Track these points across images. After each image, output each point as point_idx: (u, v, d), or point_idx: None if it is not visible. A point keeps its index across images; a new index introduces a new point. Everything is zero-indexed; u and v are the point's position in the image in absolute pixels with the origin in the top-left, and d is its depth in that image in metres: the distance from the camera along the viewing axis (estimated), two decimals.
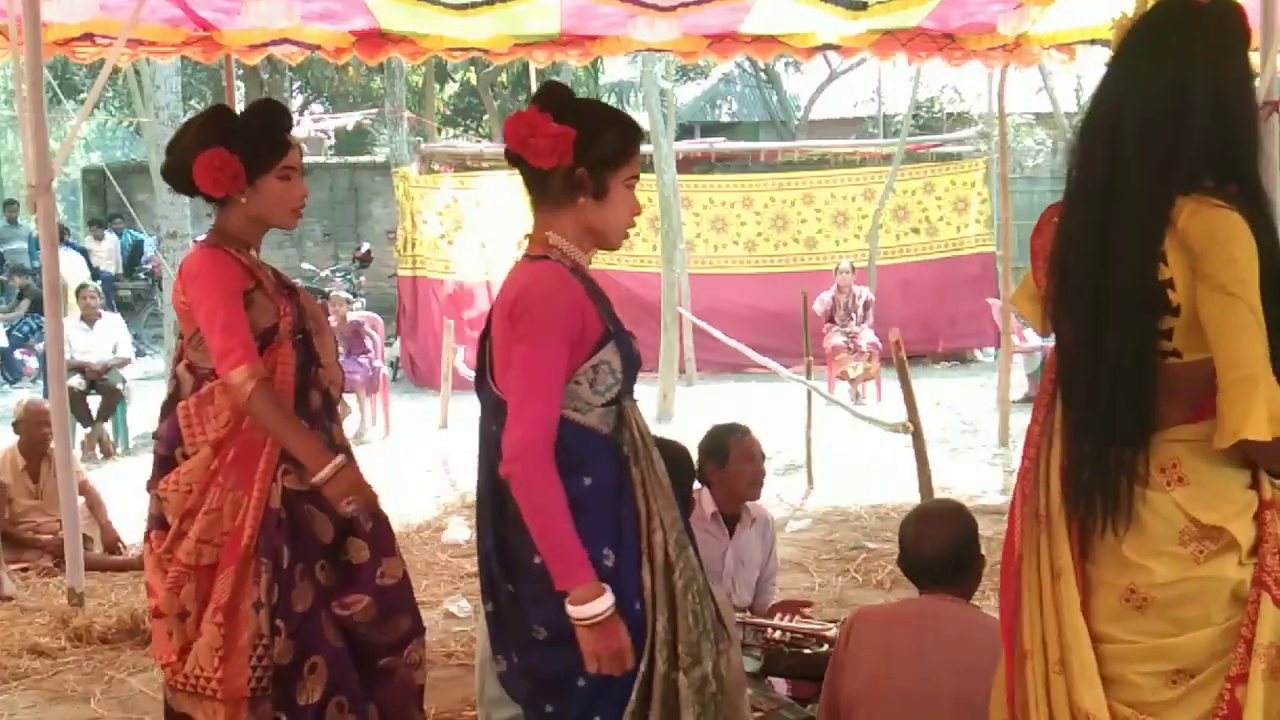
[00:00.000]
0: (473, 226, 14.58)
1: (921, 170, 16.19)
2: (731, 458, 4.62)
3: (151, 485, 3.38)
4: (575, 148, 2.58)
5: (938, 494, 6.64)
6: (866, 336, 12.61)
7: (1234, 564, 2.29)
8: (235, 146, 3.26)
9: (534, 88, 17.61)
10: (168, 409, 3.38)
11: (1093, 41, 7.27)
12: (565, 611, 2.49)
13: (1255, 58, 5.81)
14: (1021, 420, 11.34)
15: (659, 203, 12.91)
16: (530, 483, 2.48)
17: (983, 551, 3.45)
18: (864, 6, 6.56)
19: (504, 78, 26.13)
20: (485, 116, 26.15)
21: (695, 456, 4.29)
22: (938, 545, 3.35)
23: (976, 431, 10.56)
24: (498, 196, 14.52)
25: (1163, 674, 2.33)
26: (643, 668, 2.54)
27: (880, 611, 3.03)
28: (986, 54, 7.55)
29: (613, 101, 29.62)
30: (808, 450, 8.64)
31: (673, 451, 3.47)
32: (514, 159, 2.65)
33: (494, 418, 2.63)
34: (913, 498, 6.66)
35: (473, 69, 24.90)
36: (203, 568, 3.24)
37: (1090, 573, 2.39)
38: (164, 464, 3.34)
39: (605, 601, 2.49)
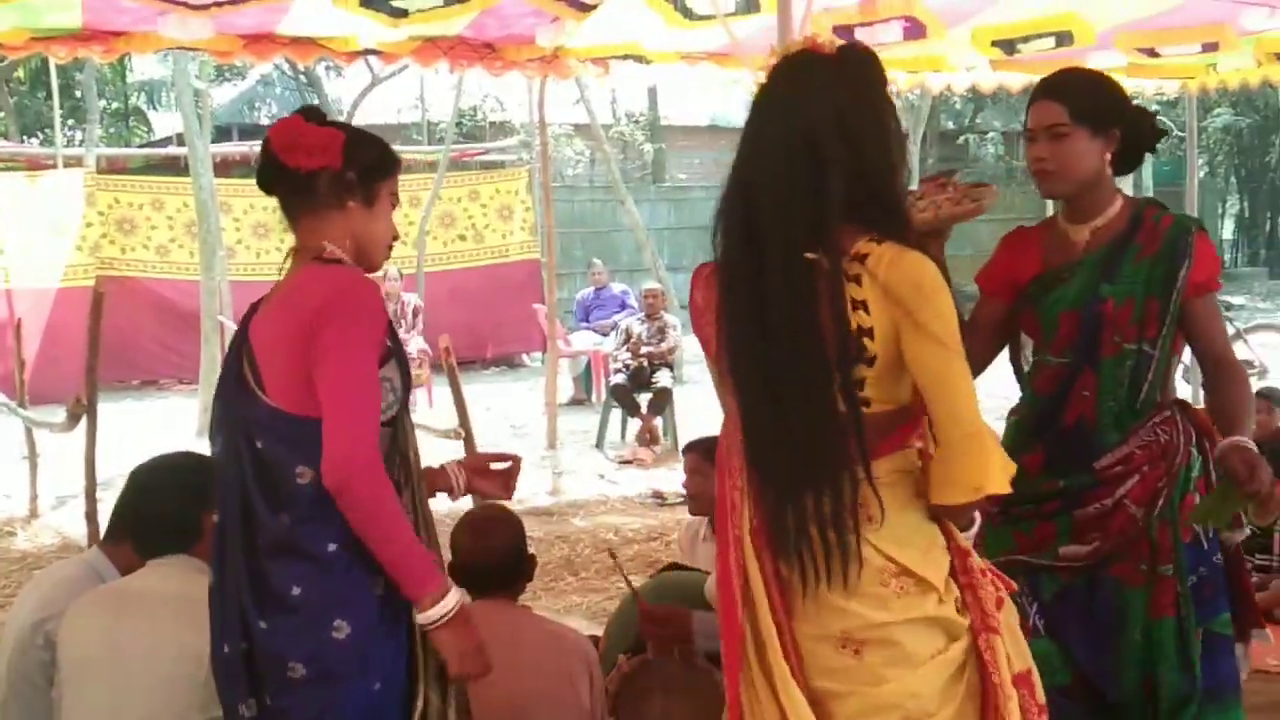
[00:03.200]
0: None
1: (466, 178, 16.39)
2: None
3: None
4: (344, 151, 2.53)
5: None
6: (416, 343, 12.57)
7: (934, 602, 2.27)
8: None
9: (55, 84, 16.63)
10: None
11: (625, 56, 7.57)
12: (327, 647, 2.36)
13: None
14: (568, 422, 11.58)
15: (195, 207, 12.42)
16: (371, 491, 2.34)
17: (532, 551, 3.52)
18: (404, 13, 6.53)
19: (21, 73, 24.22)
20: (1, 114, 24.14)
21: None
22: (496, 551, 3.39)
23: (526, 435, 10.78)
24: (17, 199, 13.53)
25: None
26: (419, 705, 2.45)
27: None
28: (525, 64, 7.70)
29: (143, 101, 28.15)
30: None
31: (189, 462, 3.27)
32: (272, 171, 2.56)
33: (263, 433, 2.43)
34: (463, 505, 6.67)
35: None
36: None
37: (800, 630, 2.30)
38: None
39: (454, 595, 2.41)
